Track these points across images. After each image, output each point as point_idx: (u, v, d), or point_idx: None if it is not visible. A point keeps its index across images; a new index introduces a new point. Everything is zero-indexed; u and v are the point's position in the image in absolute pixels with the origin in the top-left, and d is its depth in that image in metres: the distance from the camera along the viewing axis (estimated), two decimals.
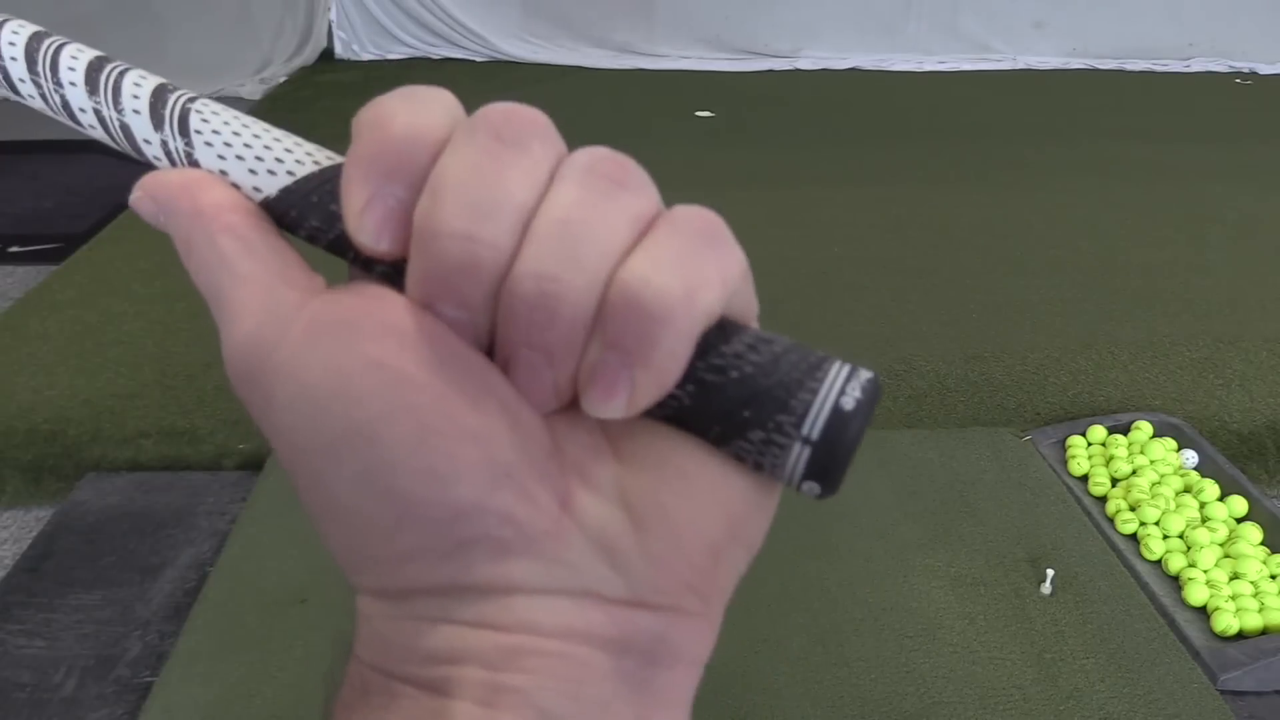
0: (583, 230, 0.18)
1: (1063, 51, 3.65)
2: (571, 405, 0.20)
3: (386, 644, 0.20)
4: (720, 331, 0.19)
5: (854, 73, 3.52)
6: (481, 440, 0.18)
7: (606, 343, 0.18)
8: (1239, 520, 1.20)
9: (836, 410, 0.19)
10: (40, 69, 0.22)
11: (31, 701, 0.95)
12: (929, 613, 1.06)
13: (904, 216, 2.12)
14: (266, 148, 0.21)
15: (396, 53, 3.56)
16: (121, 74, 0.22)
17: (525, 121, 0.19)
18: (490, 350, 0.19)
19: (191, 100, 0.22)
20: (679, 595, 0.19)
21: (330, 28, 3.50)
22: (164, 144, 0.22)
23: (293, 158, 0.21)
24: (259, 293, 0.20)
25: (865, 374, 0.19)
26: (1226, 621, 1.04)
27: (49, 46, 0.22)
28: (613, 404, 0.19)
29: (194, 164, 0.22)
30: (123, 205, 2.17)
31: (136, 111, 0.22)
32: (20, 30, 0.22)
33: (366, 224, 0.19)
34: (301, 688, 0.93)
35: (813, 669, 0.99)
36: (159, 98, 0.22)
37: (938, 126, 2.87)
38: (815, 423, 0.19)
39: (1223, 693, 0.98)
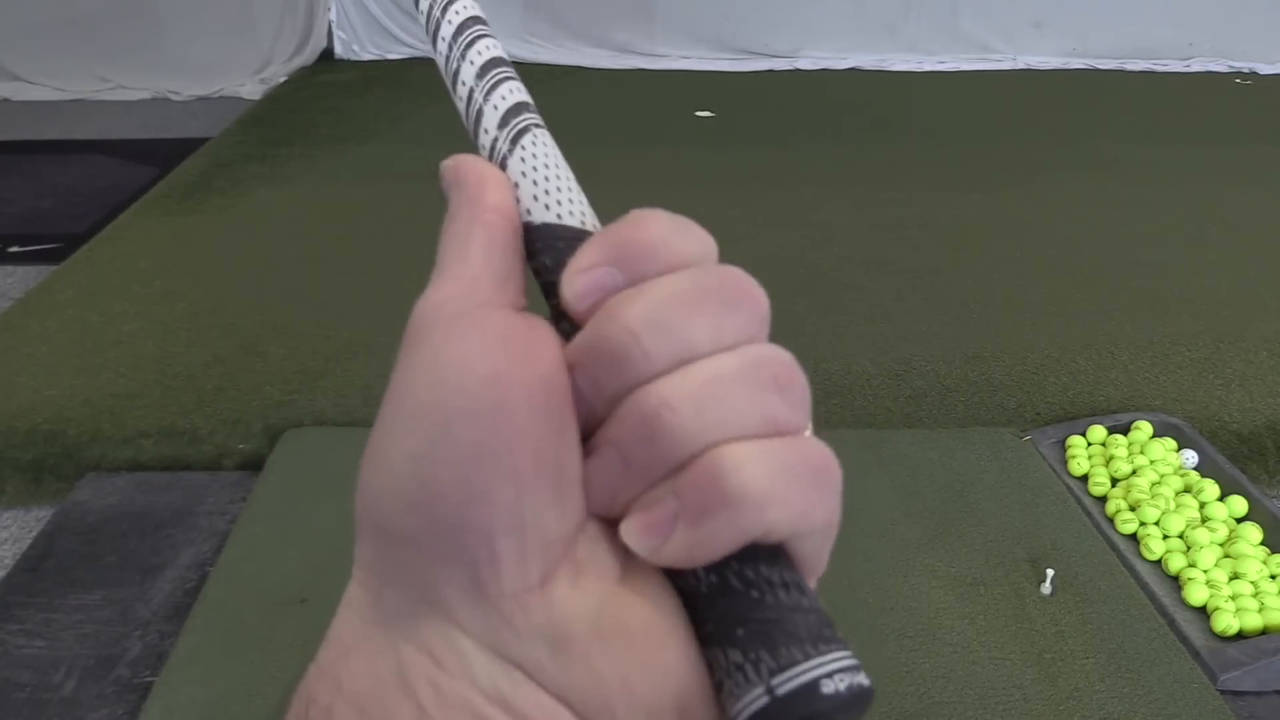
0: (723, 395, 0.20)
1: (1063, 51, 3.65)
2: (612, 527, 0.21)
3: (346, 651, 0.21)
4: (771, 554, 0.20)
5: (854, 73, 3.52)
6: (522, 489, 0.20)
7: (674, 488, 0.20)
8: (1239, 520, 1.20)
9: (813, 685, 0.19)
10: (459, 43, 0.28)
11: (31, 701, 0.95)
12: (929, 613, 1.06)
13: (904, 216, 2.12)
14: (558, 189, 0.25)
15: (396, 53, 3.56)
16: (505, 79, 0.27)
17: (747, 293, 0.21)
18: (586, 437, 0.21)
19: (538, 126, 0.26)
20: (598, 716, 0.20)
21: (330, 28, 3.50)
22: (495, 140, 0.26)
23: (568, 208, 0.24)
24: (469, 278, 0.22)
25: (863, 679, 0.19)
26: (1226, 621, 1.04)
27: (472, 33, 0.28)
28: (644, 541, 0.20)
29: (503, 166, 0.25)
30: (123, 205, 2.18)
31: (495, 108, 0.26)
32: (462, 10, 0.28)
33: (577, 283, 0.21)
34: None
35: None
36: (517, 109, 0.26)
37: (938, 126, 2.87)
38: (788, 682, 0.19)
39: (1223, 693, 0.98)
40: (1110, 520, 1.22)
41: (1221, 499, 1.23)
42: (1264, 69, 3.57)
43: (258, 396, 1.40)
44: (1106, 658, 1.01)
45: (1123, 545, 1.18)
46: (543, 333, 0.21)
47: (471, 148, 0.26)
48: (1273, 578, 1.11)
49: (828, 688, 0.19)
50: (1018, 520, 1.20)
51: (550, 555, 0.20)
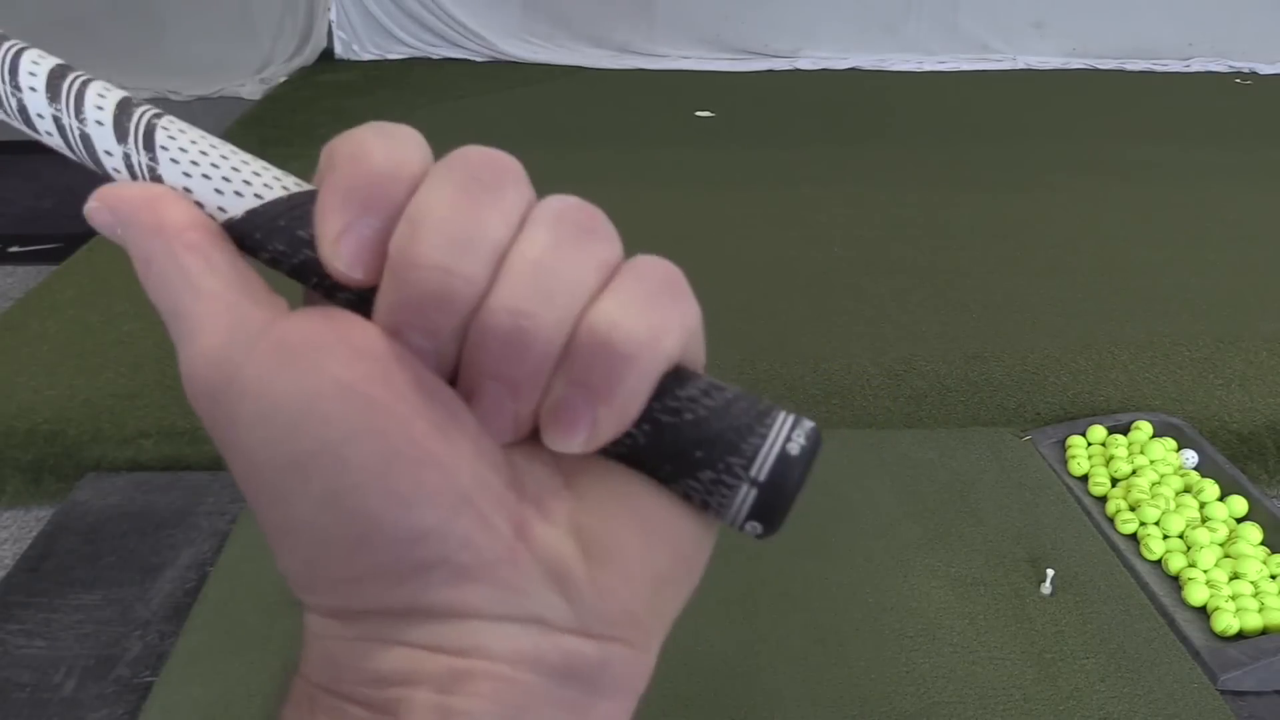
0: (555, 271, 0.19)
1: (1063, 51, 3.65)
2: (530, 438, 0.20)
3: (337, 665, 0.20)
4: (676, 376, 0.20)
5: (854, 73, 3.52)
6: (445, 466, 0.19)
7: (571, 380, 0.19)
8: (1239, 520, 1.20)
9: (783, 455, 0.20)
10: None
11: (31, 701, 0.95)
12: (929, 613, 1.06)
13: (904, 216, 2.12)
14: (234, 169, 0.21)
15: (396, 53, 3.56)
16: (85, 84, 0.22)
17: (501, 166, 0.20)
18: (452, 381, 0.20)
19: (158, 116, 0.22)
20: (622, 627, 0.20)
21: (330, 28, 3.50)
22: (126, 157, 0.22)
23: (260, 181, 0.21)
24: (223, 310, 0.20)
25: (808, 423, 0.21)
26: (1226, 621, 1.04)
27: (8, 50, 0.22)
28: (574, 440, 0.20)
29: (157, 179, 0.21)
30: None
31: (100, 122, 0.22)
32: None
33: (342, 252, 0.19)
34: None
35: (813, 669, 0.99)
36: (124, 110, 0.22)
37: (938, 126, 2.87)
38: (763, 466, 0.20)
39: (1223, 693, 0.98)
40: (1110, 520, 1.22)
41: (1221, 499, 1.23)
42: (1264, 69, 3.57)
43: None
44: (1106, 658, 1.01)
45: (1123, 545, 1.18)
46: (342, 319, 0.20)
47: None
48: (1273, 578, 1.11)
49: (794, 449, 0.20)
50: (1018, 520, 1.20)
51: (507, 504, 0.20)
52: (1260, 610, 1.06)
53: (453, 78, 3.33)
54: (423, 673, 0.19)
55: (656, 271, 0.20)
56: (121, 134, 0.22)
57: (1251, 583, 1.10)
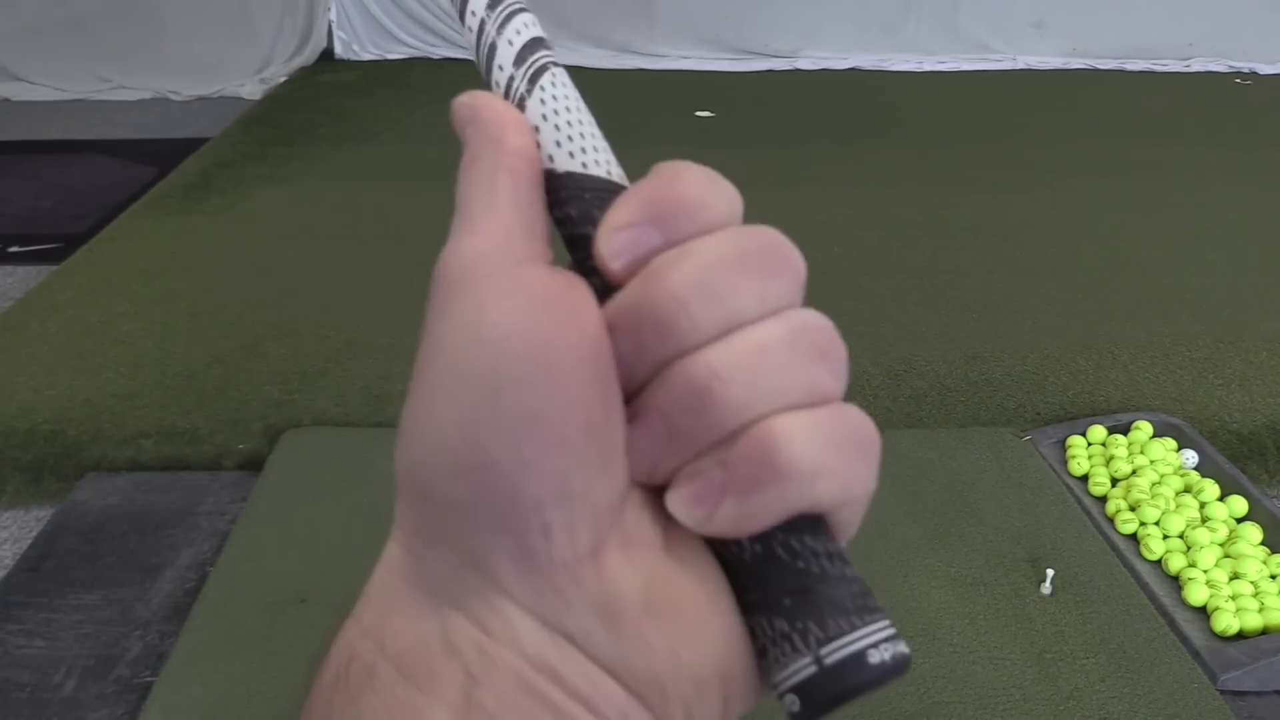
0: (772, 366, 0.20)
1: (1063, 51, 3.65)
2: (655, 494, 0.21)
3: (389, 609, 0.21)
4: (813, 524, 0.20)
5: (854, 73, 3.52)
6: (572, 457, 0.19)
7: (722, 460, 0.20)
8: (1239, 520, 1.20)
9: (860, 655, 0.19)
10: None
11: (31, 701, 0.95)
12: (929, 613, 1.06)
13: (904, 216, 2.12)
14: (581, 135, 0.23)
15: (396, 53, 3.56)
16: (517, 11, 0.25)
17: (786, 257, 0.21)
18: (629, 399, 0.21)
19: (555, 64, 0.24)
20: (649, 687, 0.20)
21: (330, 28, 3.50)
22: (511, 79, 0.24)
23: (593, 156, 0.23)
24: (501, 228, 0.21)
25: (903, 647, 0.20)
26: (1226, 621, 1.04)
27: None
28: (692, 513, 0.20)
29: (521, 107, 0.23)
30: (123, 205, 2.18)
31: (510, 43, 0.24)
32: None
33: (614, 242, 0.21)
34: (301, 688, 0.93)
35: None
36: (531, 46, 0.24)
37: (938, 126, 2.87)
38: (836, 652, 0.19)
39: (1223, 693, 0.98)
40: (1110, 520, 1.22)
41: (1221, 499, 1.23)
42: (1264, 69, 3.57)
43: (257, 396, 1.40)
44: (1106, 658, 1.01)
45: (1123, 545, 1.18)
46: (583, 293, 0.21)
47: None
48: (1273, 578, 1.11)
49: (874, 658, 0.19)
50: (1018, 520, 1.20)
51: (600, 525, 0.20)
52: (1260, 610, 1.06)
53: (453, 78, 3.33)
54: (458, 645, 0.20)
55: (859, 427, 0.21)
56: (519, 60, 0.24)
57: (1251, 583, 1.10)
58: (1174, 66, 3.59)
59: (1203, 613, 1.08)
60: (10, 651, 1.01)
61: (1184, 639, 1.04)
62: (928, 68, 3.54)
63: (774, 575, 0.20)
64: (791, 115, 2.99)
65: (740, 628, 0.21)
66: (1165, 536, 1.17)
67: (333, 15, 3.49)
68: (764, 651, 0.20)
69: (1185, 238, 2.03)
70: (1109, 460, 1.30)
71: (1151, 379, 1.49)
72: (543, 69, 0.24)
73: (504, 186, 0.22)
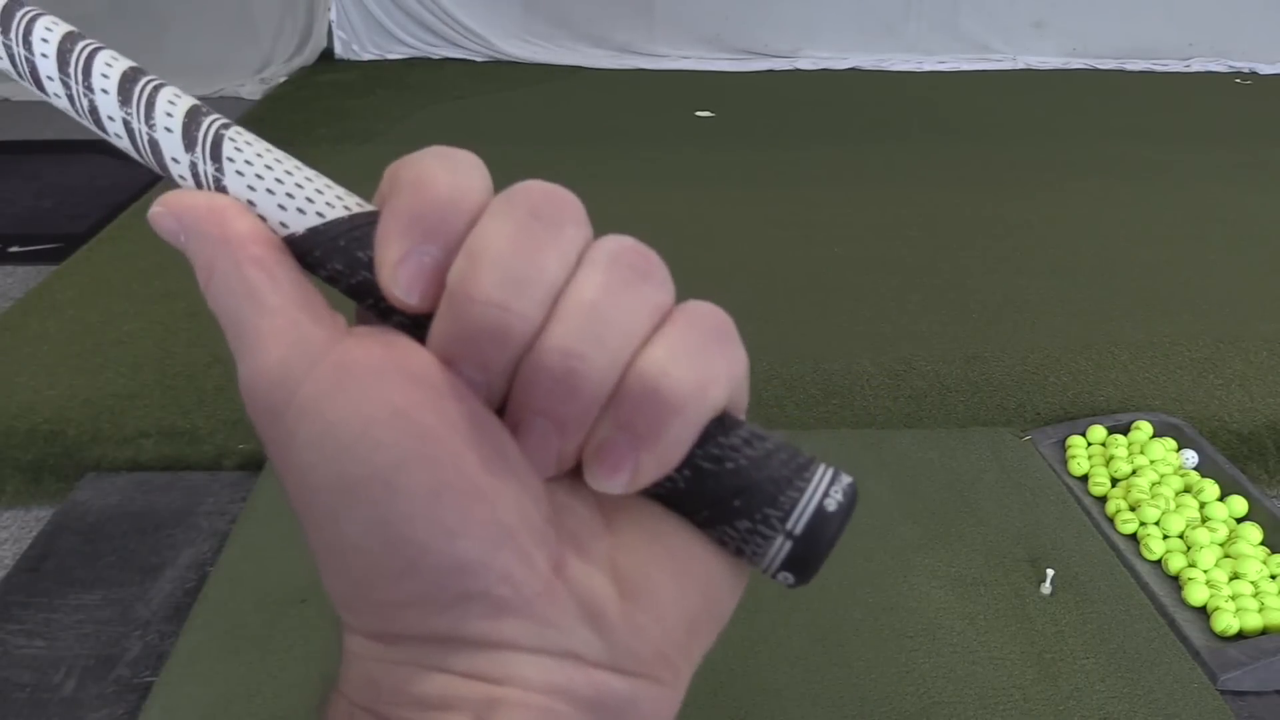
0: (609, 314, 0.19)
1: (1063, 51, 3.64)
2: (571, 476, 0.21)
3: (377, 686, 0.20)
4: (720, 423, 0.21)
5: (854, 73, 3.52)
6: (491, 500, 0.19)
7: (617, 423, 0.19)
8: (1239, 520, 1.20)
9: (820, 510, 0.20)
10: (72, 70, 0.22)
11: (31, 701, 0.95)
12: (929, 613, 1.06)
13: (904, 216, 2.12)
14: (299, 185, 0.22)
15: (396, 53, 3.56)
16: (157, 89, 0.22)
17: (561, 203, 0.20)
18: (499, 412, 0.20)
19: (226, 126, 0.22)
20: (653, 665, 0.20)
21: (330, 28, 3.50)
22: (193, 165, 0.22)
23: (323, 199, 0.22)
24: (286, 327, 0.20)
25: (846, 479, 0.21)
26: (1226, 621, 1.04)
27: (83, 49, 0.22)
28: (616, 481, 0.20)
29: (222, 189, 0.22)
30: (123, 205, 2.17)
31: (169, 130, 0.22)
32: (54, 28, 0.22)
33: (400, 278, 0.20)
34: (301, 688, 0.93)
35: (813, 669, 0.99)
36: (193, 119, 0.22)
37: (937, 126, 2.87)
38: (799, 520, 0.20)
39: (1223, 693, 0.98)
40: (1110, 520, 1.22)
41: (1221, 499, 1.22)
42: (1264, 69, 3.57)
43: None
44: (1106, 658, 1.01)
45: (1123, 545, 1.18)
46: (403, 344, 0.20)
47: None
48: (1273, 578, 1.11)
49: (831, 505, 0.20)
50: (1018, 520, 1.20)
51: (548, 540, 0.20)
52: (1260, 610, 1.06)
53: (453, 78, 3.33)
54: (461, 698, 0.19)
55: (707, 319, 0.21)
56: (189, 142, 0.22)
57: (1251, 583, 1.10)
58: (1174, 66, 3.59)
59: (1203, 613, 1.08)
60: (10, 651, 1.00)
61: (1184, 639, 1.04)
62: (928, 68, 3.54)
63: (713, 487, 0.20)
64: (791, 115, 2.99)
65: (703, 547, 0.21)
66: (1165, 536, 1.17)
67: (333, 15, 3.49)
68: (739, 552, 0.21)
69: (1185, 238, 2.03)
70: (1109, 460, 1.30)
71: (1151, 379, 1.49)
72: (219, 139, 0.22)
73: (259, 281, 0.20)
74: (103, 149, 2.90)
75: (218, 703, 0.93)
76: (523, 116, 2.90)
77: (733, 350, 0.21)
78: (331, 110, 2.90)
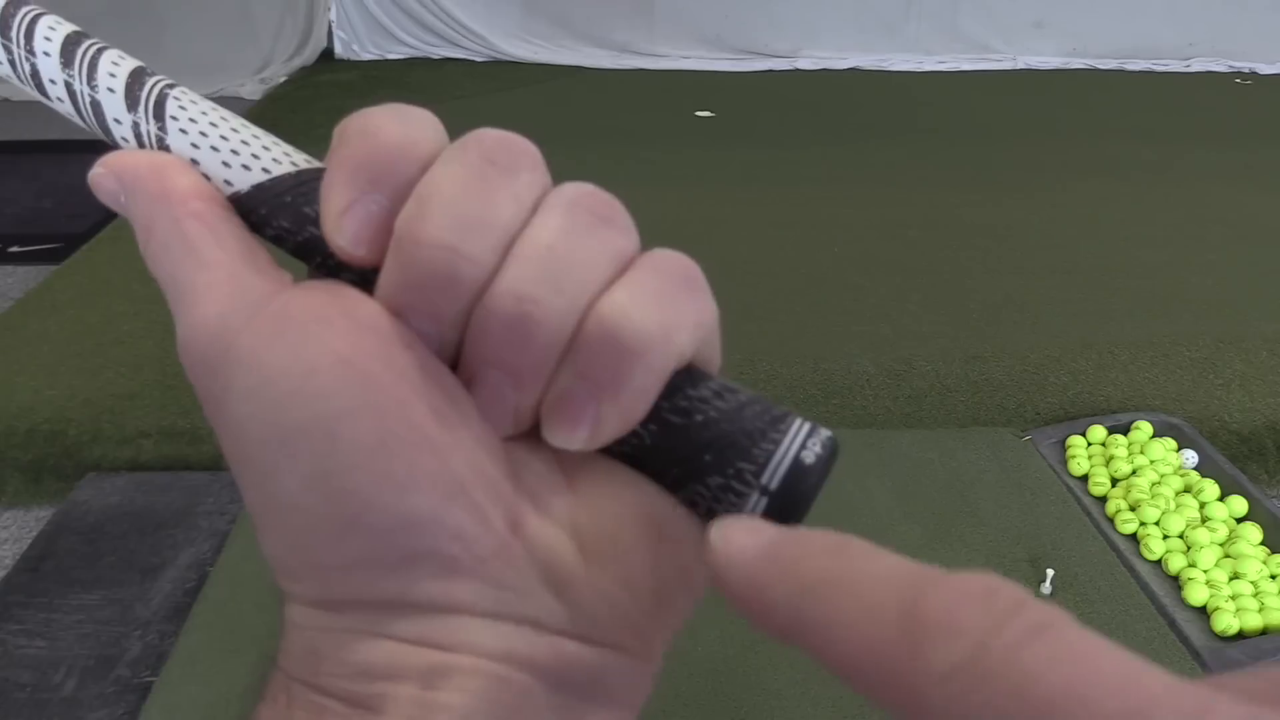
0: (566, 258, 0.18)
1: (1063, 51, 3.65)
2: (530, 432, 0.19)
3: (317, 656, 0.19)
4: (687, 375, 0.20)
5: (854, 73, 3.52)
6: (441, 451, 0.18)
7: (576, 372, 0.18)
8: (1239, 520, 1.20)
9: (797, 462, 0.19)
10: (14, 34, 0.22)
11: (31, 701, 0.95)
12: None
13: (904, 216, 2.12)
14: (244, 142, 0.21)
15: (396, 53, 3.56)
16: (100, 51, 0.22)
17: (516, 148, 0.19)
18: (453, 367, 0.19)
19: (170, 86, 0.21)
20: (620, 633, 0.19)
21: (330, 28, 3.50)
22: (135, 125, 0.21)
23: (269, 156, 0.21)
24: (225, 279, 0.19)
25: (825, 432, 0.19)
26: (1226, 621, 1.04)
27: (26, 14, 0.22)
28: (576, 435, 0.19)
29: (165, 149, 0.21)
30: None
31: (111, 90, 0.21)
32: None
33: (346, 228, 0.19)
34: None
35: (813, 669, 0.98)
36: (136, 79, 0.21)
37: (937, 126, 2.87)
38: (775, 474, 0.19)
39: None
40: (1110, 520, 1.21)
41: (1221, 499, 1.23)
42: (1264, 69, 3.57)
43: None
44: None
45: (1123, 545, 1.18)
46: (348, 293, 0.19)
47: None
48: (1273, 578, 1.11)
49: (808, 458, 0.19)
50: (1018, 520, 1.20)
51: (504, 497, 0.19)
52: (1260, 610, 1.06)
53: (453, 78, 3.33)
54: (407, 666, 0.18)
55: (673, 265, 0.20)
56: (132, 102, 0.21)
57: (1251, 583, 1.10)
58: (1174, 66, 3.59)
59: (1203, 613, 1.08)
60: (10, 651, 1.01)
61: (1184, 639, 1.04)
62: (928, 68, 3.54)
63: (681, 442, 0.19)
64: (791, 115, 2.99)
65: (673, 509, 0.20)
66: (1165, 536, 1.17)
67: (333, 15, 3.49)
68: (711, 512, 0.19)
69: (1185, 238, 2.03)
70: (1109, 460, 1.30)
71: (1151, 379, 1.49)
72: (163, 98, 0.21)
73: (199, 235, 0.20)
74: (103, 149, 2.88)
75: (218, 703, 0.93)
76: (523, 116, 2.90)
77: (701, 297, 0.20)
78: (331, 110, 2.88)
